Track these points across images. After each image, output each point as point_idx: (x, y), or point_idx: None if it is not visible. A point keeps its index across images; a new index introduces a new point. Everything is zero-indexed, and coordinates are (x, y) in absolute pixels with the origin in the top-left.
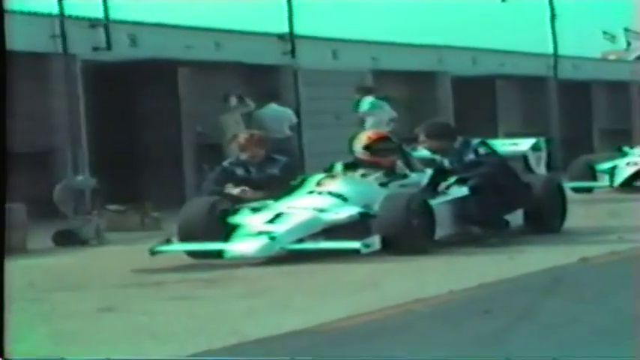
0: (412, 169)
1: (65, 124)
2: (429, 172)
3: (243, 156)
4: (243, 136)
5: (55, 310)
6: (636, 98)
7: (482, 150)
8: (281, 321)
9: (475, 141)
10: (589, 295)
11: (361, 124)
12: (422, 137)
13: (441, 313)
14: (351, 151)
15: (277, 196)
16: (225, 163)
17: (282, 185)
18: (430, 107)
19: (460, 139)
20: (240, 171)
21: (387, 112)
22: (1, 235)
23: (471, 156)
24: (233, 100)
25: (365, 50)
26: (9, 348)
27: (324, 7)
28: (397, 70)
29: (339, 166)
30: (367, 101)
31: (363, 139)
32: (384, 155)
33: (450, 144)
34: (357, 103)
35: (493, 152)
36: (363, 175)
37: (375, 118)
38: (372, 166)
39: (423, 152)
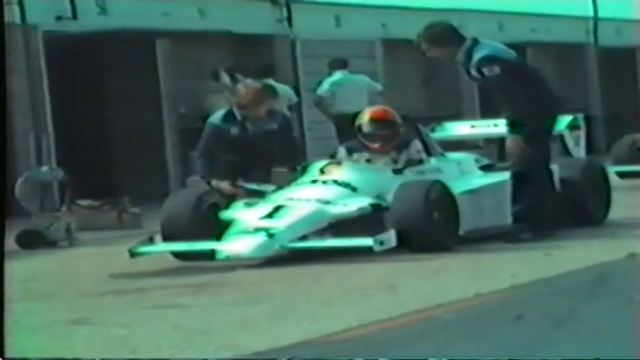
0: (430, 154)
1: (26, 106)
2: (455, 156)
3: (243, 112)
4: (247, 90)
5: (20, 323)
6: None
7: (487, 68)
8: (282, 332)
9: (479, 51)
10: (639, 297)
11: (325, 107)
12: (424, 46)
13: (467, 319)
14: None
15: (274, 184)
16: (216, 121)
17: (281, 141)
18: (450, 81)
19: (468, 43)
20: (234, 129)
21: (365, 86)
22: (1, 235)
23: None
24: (225, 78)
25: (373, 16)
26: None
27: None
28: (411, 38)
29: (343, 150)
30: (329, 80)
31: (364, 119)
32: (390, 139)
33: (456, 49)
34: (319, 83)
35: (503, 62)
36: (369, 161)
37: (342, 97)
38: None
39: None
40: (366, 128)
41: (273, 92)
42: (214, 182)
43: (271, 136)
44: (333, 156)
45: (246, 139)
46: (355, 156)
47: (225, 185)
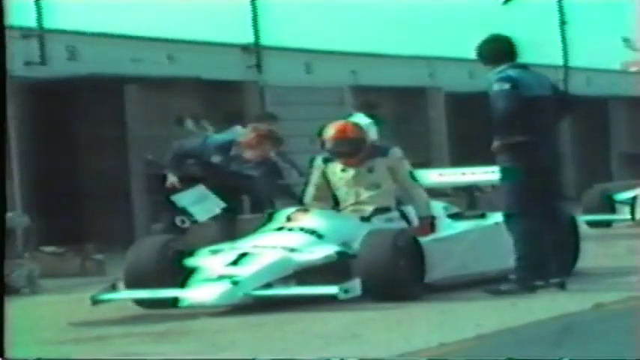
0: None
1: None
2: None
3: (239, 150)
4: (253, 133)
5: None
6: None
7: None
8: None
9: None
10: (605, 348)
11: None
12: (481, 61)
13: None
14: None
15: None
16: (211, 141)
17: (258, 191)
18: (420, 128)
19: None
20: (217, 157)
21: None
22: (1, 236)
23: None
24: (189, 124)
25: (343, 63)
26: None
27: (295, 12)
28: (381, 85)
29: (319, 160)
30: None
31: (328, 134)
32: (352, 154)
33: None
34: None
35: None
36: (344, 170)
37: None
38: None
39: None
40: (328, 145)
41: (276, 140)
42: (170, 175)
43: (242, 181)
44: (311, 162)
45: (220, 173)
46: (330, 166)
47: (173, 179)
